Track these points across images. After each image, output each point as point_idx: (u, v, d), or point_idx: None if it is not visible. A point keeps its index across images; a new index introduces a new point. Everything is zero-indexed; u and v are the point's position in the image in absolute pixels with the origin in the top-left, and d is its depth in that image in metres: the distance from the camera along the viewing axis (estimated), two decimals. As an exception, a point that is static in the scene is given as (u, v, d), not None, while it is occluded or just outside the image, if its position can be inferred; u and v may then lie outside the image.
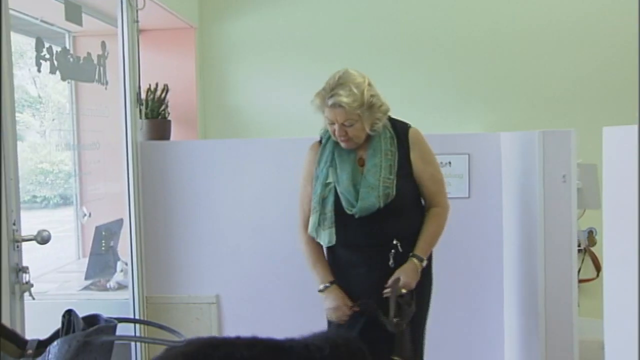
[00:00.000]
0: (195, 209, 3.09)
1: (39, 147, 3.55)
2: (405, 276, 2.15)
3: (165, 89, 3.32)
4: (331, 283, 2.24)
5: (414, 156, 2.24)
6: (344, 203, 2.19)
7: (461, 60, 3.69)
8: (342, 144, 2.21)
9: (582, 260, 3.49)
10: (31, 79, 3.38)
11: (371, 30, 3.78)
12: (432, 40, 3.72)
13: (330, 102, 2.14)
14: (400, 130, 2.26)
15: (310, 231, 2.25)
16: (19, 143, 3.26)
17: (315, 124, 3.82)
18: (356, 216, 2.17)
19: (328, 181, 2.22)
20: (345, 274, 2.26)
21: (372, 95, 2.16)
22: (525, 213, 2.64)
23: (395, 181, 2.17)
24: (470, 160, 2.96)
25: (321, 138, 2.34)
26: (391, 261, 2.18)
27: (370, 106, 2.15)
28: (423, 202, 2.31)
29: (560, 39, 3.65)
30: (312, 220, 2.24)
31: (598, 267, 3.50)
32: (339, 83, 2.15)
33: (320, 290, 2.24)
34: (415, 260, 2.19)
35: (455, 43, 3.71)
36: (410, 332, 2.14)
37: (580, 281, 3.24)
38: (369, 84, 2.18)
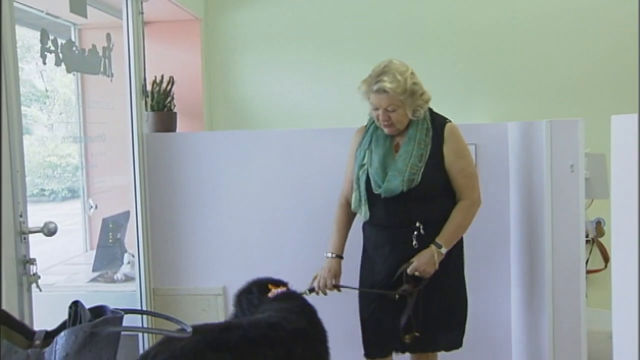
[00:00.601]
0: (202, 200, 3.09)
1: (47, 141, 3.56)
2: (418, 260, 2.31)
3: (171, 81, 3.32)
4: (334, 255, 2.47)
5: (446, 149, 2.37)
6: (372, 183, 2.37)
7: (468, 51, 3.67)
8: (385, 130, 2.38)
9: (590, 250, 3.47)
10: (38, 72, 3.39)
11: (377, 22, 3.75)
12: (439, 31, 3.69)
13: (375, 87, 2.30)
14: (438, 123, 2.40)
15: (353, 207, 2.46)
16: (27, 137, 3.28)
17: (322, 115, 3.85)
18: (382, 196, 2.34)
19: (363, 162, 2.42)
20: (372, 253, 2.46)
21: (414, 83, 2.31)
22: (533, 203, 2.62)
23: (422, 169, 2.32)
24: (477, 150, 2.95)
25: (367, 123, 2.51)
26: (414, 242, 2.34)
27: (412, 93, 2.31)
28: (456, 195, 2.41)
29: (568, 28, 3.62)
30: (354, 196, 2.45)
31: (606, 258, 3.48)
32: (384, 71, 2.31)
33: (325, 256, 2.49)
34: (433, 247, 2.32)
35: (462, 33, 3.68)
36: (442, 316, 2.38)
37: (588, 272, 3.22)
38: (412, 73, 2.34)
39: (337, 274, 2.46)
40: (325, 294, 2.45)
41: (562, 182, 2.41)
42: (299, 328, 2.06)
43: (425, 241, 2.34)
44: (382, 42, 3.72)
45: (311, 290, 2.46)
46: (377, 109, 2.34)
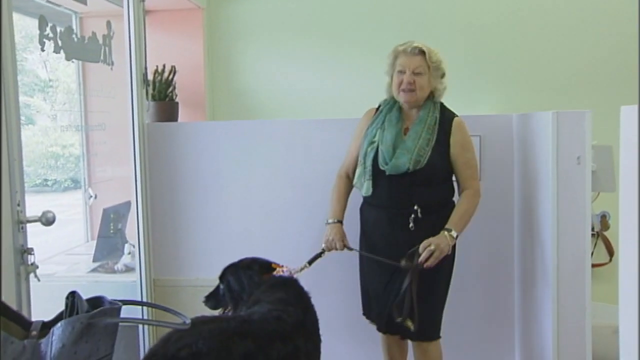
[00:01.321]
0: (203, 191, 3.07)
1: (50, 131, 3.55)
2: (433, 246, 2.35)
3: (173, 71, 3.29)
4: (336, 221, 2.57)
5: (453, 140, 2.48)
6: (380, 159, 2.46)
7: (473, 41, 3.62)
8: (404, 97, 2.47)
9: (595, 244, 3.44)
10: (42, 62, 3.36)
11: (380, 13, 3.70)
12: (444, 22, 3.64)
13: (410, 49, 2.45)
14: (447, 116, 2.51)
15: (355, 182, 2.57)
16: (30, 127, 3.26)
17: (324, 106, 3.81)
18: (387, 173, 2.43)
19: (374, 140, 2.51)
20: (372, 234, 2.57)
21: (441, 62, 2.50)
22: (538, 195, 2.59)
23: (429, 154, 2.43)
24: (482, 142, 2.91)
25: (379, 106, 2.62)
26: (411, 224, 2.43)
27: (438, 68, 2.48)
28: (457, 186, 2.54)
29: (574, 19, 3.56)
30: (358, 172, 2.55)
31: (611, 252, 3.44)
32: (417, 43, 2.48)
33: (326, 223, 2.59)
34: (446, 232, 2.39)
35: (467, 23, 3.63)
36: (425, 302, 2.40)
37: (592, 266, 3.19)
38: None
39: (343, 236, 2.56)
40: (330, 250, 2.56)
41: (568, 174, 2.37)
42: (298, 321, 2.08)
43: (421, 224, 2.43)
44: (385, 34, 3.67)
45: (318, 255, 2.55)
46: (403, 71, 2.45)
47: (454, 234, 2.41)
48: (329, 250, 2.56)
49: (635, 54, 3.46)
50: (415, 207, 2.44)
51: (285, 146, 3.03)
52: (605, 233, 3.47)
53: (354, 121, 2.98)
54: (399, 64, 2.48)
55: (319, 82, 3.78)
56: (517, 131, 2.87)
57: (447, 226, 2.42)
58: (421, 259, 2.35)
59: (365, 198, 2.59)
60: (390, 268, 2.44)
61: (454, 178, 2.55)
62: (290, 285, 2.34)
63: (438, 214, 2.46)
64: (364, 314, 2.69)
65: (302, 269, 2.49)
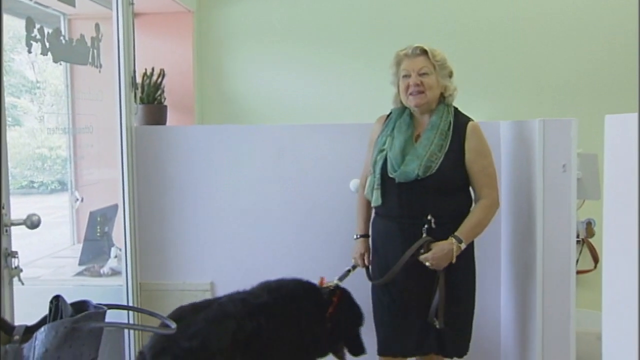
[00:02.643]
0: (191, 195, 3.06)
1: (37, 133, 3.52)
2: (434, 252, 2.29)
3: (162, 74, 3.28)
4: (358, 236, 2.57)
5: (468, 146, 2.36)
6: (389, 166, 2.36)
7: (461, 49, 3.64)
8: (414, 101, 2.37)
9: (580, 251, 3.46)
10: (30, 64, 3.34)
11: (371, 18, 3.72)
12: (432, 28, 3.67)
13: (411, 50, 2.39)
14: (461, 120, 2.41)
15: (366, 193, 2.48)
16: (17, 128, 3.23)
17: (314, 111, 3.82)
18: (396, 180, 2.33)
19: (383, 147, 2.43)
20: (383, 247, 2.46)
21: (446, 60, 2.41)
22: (524, 202, 2.61)
23: (441, 159, 2.32)
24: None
25: (390, 112, 2.53)
26: (424, 235, 2.31)
27: (444, 67, 2.40)
28: (472, 194, 2.43)
29: (562, 27, 3.60)
30: (369, 182, 2.47)
31: (596, 259, 3.47)
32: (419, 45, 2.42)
33: (354, 238, 2.59)
34: (453, 240, 2.29)
35: (455, 32, 3.66)
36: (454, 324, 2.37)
37: (577, 272, 3.21)
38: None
39: (365, 252, 2.55)
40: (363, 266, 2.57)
41: (554, 181, 2.39)
42: (263, 303, 2.31)
43: (435, 236, 2.31)
44: (375, 39, 3.69)
45: (348, 271, 2.59)
46: (408, 75, 2.38)
47: (462, 245, 2.29)
48: (361, 266, 2.57)
49: (620, 64, 3.51)
50: (429, 217, 2.32)
51: (274, 151, 3.03)
52: (591, 240, 3.50)
53: (344, 127, 2.99)
54: (402, 68, 2.40)
55: (308, 87, 3.79)
56: (505, 138, 2.89)
57: (458, 234, 2.30)
58: (422, 259, 2.30)
59: (376, 210, 2.49)
60: (416, 287, 2.36)
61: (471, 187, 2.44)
62: (281, 280, 2.49)
63: (453, 225, 2.33)
64: (381, 352, 2.50)
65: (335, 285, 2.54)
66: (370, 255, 2.56)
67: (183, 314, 2.17)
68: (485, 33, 3.65)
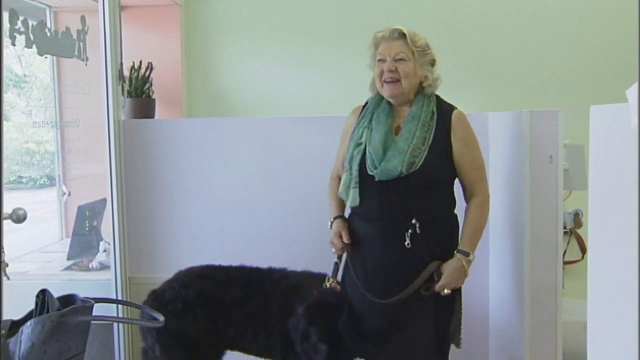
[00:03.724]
0: (180, 189, 3.05)
1: (25, 127, 3.50)
2: (446, 277, 2.09)
3: (150, 67, 3.26)
4: (335, 218, 2.30)
5: (454, 138, 2.15)
6: (368, 162, 2.13)
7: (449, 41, 3.64)
8: (387, 90, 2.16)
9: (568, 242, 3.49)
10: (16, 57, 3.31)
11: (361, 10, 3.71)
12: (421, 20, 3.66)
13: (389, 32, 2.16)
14: (444, 109, 2.19)
15: (340, 191, 2.24)
16: (4, 123, 3.20)
17: (303, 104, 3.81)
18: (376, 178, 2.11)
19: (360, 141, 2.19)
20: (361, 252, 2.21)
21: (428, 46, 2.19)
22: (512, 194, 2.62)
23: (425, 154, 2.10)
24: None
25: (367, 102, 2.31)
26: (407, 241, 2.09)
27: (424, 54, 2.17)
28: (463, 192, 2.25)
29: (550, 19, 3.61)
30: (343, 179, 2.23)
31: (583, 249, 3.50)
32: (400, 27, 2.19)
33: (329, 227, 2.31)
34: (459, 256, 2.11)
35: (443, 23, 3.65)
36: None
37: (565, 263, 3.24)
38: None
39: (341, 229, 2.25)
40: (345, 250, 2.27)
41: (541, 172, 2.40)
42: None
43: (419, 241, 2.10)
44: (364, 31, 3.64)
45: (339, 258, 2.30)
46: (383, 60, 2.16)
47: (471, 257, 2.12)
48: (341, 251, 2.26)
49: (607, 55, 3.53)
50: (414, 221, 2.08)
51: (262, 144, 3.03)
52: (578, 231, 3.53)
53: (332, 119, 2.98)
54: (379, 52, 2.19)
55: (297, 80, 3.78)
56: (493, 130, 2.90)
57: (461, 247, 2.11)
58: (439, 288, 2.10)
59: (352, 209, 2.25)
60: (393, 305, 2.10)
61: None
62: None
63: (439, 230, 2.13)
64: None
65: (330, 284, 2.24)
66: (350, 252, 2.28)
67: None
68: (472, 25, 3.65)
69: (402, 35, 2.15)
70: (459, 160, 2.16)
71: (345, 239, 2.22)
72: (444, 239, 2.15)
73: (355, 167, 2.16)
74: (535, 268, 2.44)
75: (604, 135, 1.62)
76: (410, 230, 2.09)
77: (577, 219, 3.49)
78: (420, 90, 2.20)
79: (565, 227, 3.24)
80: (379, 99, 2.25)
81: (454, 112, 2.18)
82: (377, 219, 2.15)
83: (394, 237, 2.12)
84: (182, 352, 2.30)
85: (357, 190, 2.16)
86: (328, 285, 2.22)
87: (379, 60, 2.18)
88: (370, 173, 2.13)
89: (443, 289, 2.09)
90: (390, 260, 2.14)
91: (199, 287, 2.38)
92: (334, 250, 2.28)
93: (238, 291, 2.38)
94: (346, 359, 2.22)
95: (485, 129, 2.93)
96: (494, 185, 2.88)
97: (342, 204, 2.32)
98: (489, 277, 3.00)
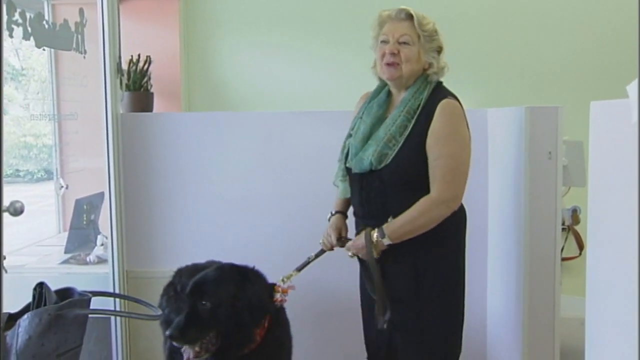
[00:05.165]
0: (178, 182, 3.04)
1: (23, 121, 3.49)
2: (352, 243, 2.07)
3: (148, 61, 3.24)
4: (334, 212, 2.22)
5: (431, 129, 1.94)
6: (349, 154, 2.07)
7: (448, 36, 3.61)
8: (386, 72, 2.02)
9: (566, 238, 3.49)
10: (14, 50, 3.29)
11: (360, 5, 3.70)
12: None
13: (395, 13, 2.04)
14: (436, 97, 2.00)
15: (334, 181, 2.19)
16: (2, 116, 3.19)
17: (302, 98, 3.80)
18: (353, 171, 2.04)
19: (351, 132, 2.12)
20: None
21: (436, 32, 2.07)
22: (510, 190, 2.62)
23: (399, 146, 1.95)
24: (456, 136, 2.92)
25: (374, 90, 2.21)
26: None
27: (431, 39, 2.05)
28: None
29: (549, 14, 3.60)
30: (337, 169, 2.18)
31: (581, 246, 3.50)
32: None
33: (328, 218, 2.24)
34: (375, 234, 1.96)
35: (442, 19, 3.60)
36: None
37: (563, 259, 3.24)
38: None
39: (340, 229, 2.16)
40: (332, 249, 2.21)
41: (539, 169, 2.40)
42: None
43: (399, 242, 1.97)
44: (365, 26, 3.65)
45: (319, 253, 2.22)
46: (386, 41, 2.01)
47: (385, 241, 1.93)
48: (328, 248, 2.18)
49: (606, 51, 3.53)
50: (390, 219, 1.96)
51: (262, 138, 3.02)
52: (576, 227, 3.53)
53: (333, 113, 2.97)
54: (382, 32, 2.05)
55: (297, 74, 3.77)
56: (491, 126, 2.90)
57: (383, 226, 1.95)
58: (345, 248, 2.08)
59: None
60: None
61: None
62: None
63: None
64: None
65: (289, 277, 2.14)
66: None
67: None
68: (471, 20, 3.64)
69: (409, 16, 2.03)
70: (428, 153, 1.94)
71: (334, 241, 2.16)
72: (424, 239, 1.97)
73: (343, 159, 2.13)
74: (534, 264, 2.44)
75: (603, 131, 1.62)
76: None
77: (575, 215, 3.49)
78: (423, 76, 2.06)
79: (563, 224, 3.24)
80: (380, 87, 2.15)
81: (442, 101, 1.98)
82: (360, 216, 2.11)
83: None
84: None
85: (346, 183, 2.13)
86: (282, 283, 2.12)
87: (382, 42, 2.05)
88: (348, 165, 2.07)
89: (348, 251, 2.07)
90: (372, 257, 2.04)
91: None
92: (321, 242, 2.23)
93: None
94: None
95: (484, 125, 2.92)
96: (492, 182, 2.89)
97: (348, 201, 2.22)
98: (487, 273, 3.01)
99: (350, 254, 2.08)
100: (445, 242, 2.05)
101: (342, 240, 2.18)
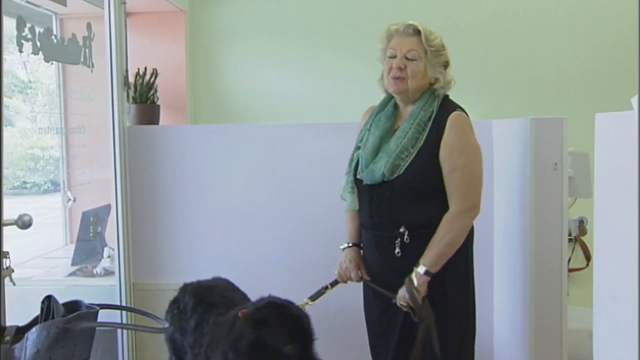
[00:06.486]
0: (184, 195, 3.05)
1: (30, 133, 3.51)
2: (402, 290, 2.01)
3: (154, 74, 3.27)
4: (350, 245, 2.20)
5: (443, 140, 2.00)
6: (359, 166, 2.10)
7: (453, 47, 3.63)
8: (393, 86, 2.06)
9: (573, 249, 3.48)
10: (22, 63, 3.33)
11: (363, 15, 3.73)
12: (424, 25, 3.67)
13: (403, 28, 2.07)
14: (446, 110, 2.05)
15: (341, 194, 2.18)
16: (9, 129, 3.22)
17: (307, 110, 3.82)
18: (364, 182, 2.06)
19: (359, 144, 2.15)
20: (367, 259, 2.18)
21: (443, 47, 2.09)
22: (516, 201, 2.62)
23: (412, 157, 1.99)
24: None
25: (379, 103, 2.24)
26: (397, 250, 2.03)
27: (438, 54, 2.07)
28: None
29: (554, 25, 3.62)
30: (344, 182, 2.17)
31: (588, 257, 3.49)
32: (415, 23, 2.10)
33: (342, 248, 2.22)
34: (417, 269, 1.98)
35: (446, 30, 3.61)
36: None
37: (570, 270, 3.23)
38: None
39: (359, 264, 2.17)
40: (346, 282, 2.20)
41: (545, 180, 2.40)
42: None
43: (409, 250, 2.02)
44: (367, 37, 3.65)
45: (333, 283, 2.20)
46: (394, 56, 2.05)
47: (421, 270, 1.95)
48: (343, 280, 2.18)
49: (611, 62, 3.53)
50: (402, 230, 2.00)
51: (267, 150, 3.03)
52: (583, 238, 3.52)
53: (337, 125, 2.99)
54: (390, 47, 2.08)
55: (301, 86, 3.79)
56: (497, 137, 2.90)
57: (420, 260, 1.96)
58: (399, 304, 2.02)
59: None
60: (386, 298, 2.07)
61: None
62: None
63: (429, 238, 1.99)
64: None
65: (302, 306, 2.06)
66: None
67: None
68: (476, 31, 3.66)
69: (417, 32, 2.06)
70: (442, 166, 2.00)
71: (365, 275, 2.15)
72: None
73: (352, 171, 2.15)
74: (540, 275, 2.43)
75: (609, 142, 1.62)
76: (399, 239, 2.03)
77: (581, 226, 3.48)
78: (430, 90, 2.09)
79: (570, 235, 3.24)
80: (386, 99, 2.19)
81: (452, 114, 2.03)
82: (369, 227, 2.12)
83: (385, 246, 2.07)
84: None
85: (354, 195, 2.13)
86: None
87: (390, 57, 2.08)
88: (359, 176, 2.09)
89: (401, 303, 2.02)
90: (382, 269, 2.10)
91: None
92: (336, 274, 2.21)
93: None
94: None
95: (489, 136, 2.93)
96: (498, 193, 2.88)
97: (359, 227, 2.20)
98: (493, 285, 2.99)
99: (402, 305, 2.02)
100: (455, 253, 2.05)
101: (361, 278, 2.17)
